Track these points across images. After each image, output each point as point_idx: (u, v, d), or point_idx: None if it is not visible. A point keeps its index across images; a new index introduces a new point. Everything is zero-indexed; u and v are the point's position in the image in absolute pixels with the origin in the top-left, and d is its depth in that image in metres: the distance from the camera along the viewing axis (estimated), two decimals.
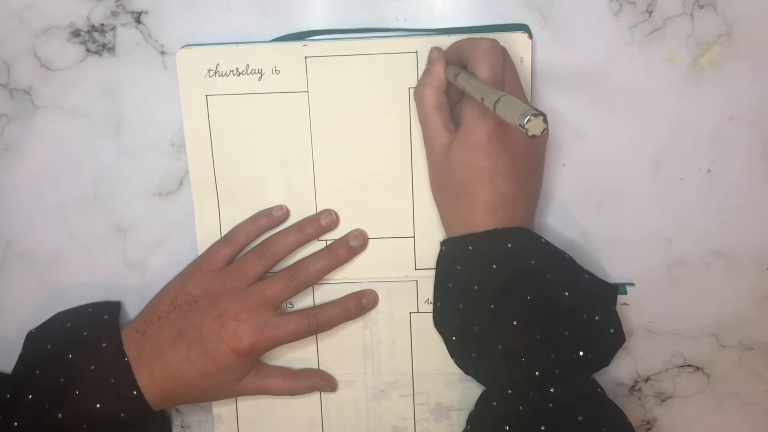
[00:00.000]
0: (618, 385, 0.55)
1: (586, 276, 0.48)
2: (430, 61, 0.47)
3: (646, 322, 0.54)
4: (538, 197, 0.49)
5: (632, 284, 0.53)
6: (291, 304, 0.53)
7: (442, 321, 0.49)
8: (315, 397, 0.54)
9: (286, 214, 0.52)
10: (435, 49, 0.47)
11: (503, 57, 0.45)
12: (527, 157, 0.46)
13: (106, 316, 0.50)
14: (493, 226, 0.46)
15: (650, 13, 0.49)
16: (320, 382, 0.53)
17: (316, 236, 0.52)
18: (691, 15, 0.49)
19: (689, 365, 0.55)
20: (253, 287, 0.49)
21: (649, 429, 0.56)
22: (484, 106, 0.41)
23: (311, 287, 0.52)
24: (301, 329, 0.50)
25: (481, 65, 0.43)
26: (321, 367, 0.54)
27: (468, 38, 0.46)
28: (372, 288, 0.53)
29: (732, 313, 0.54)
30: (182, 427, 0.56)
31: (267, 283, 0.50)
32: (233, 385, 0.50)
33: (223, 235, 0.52)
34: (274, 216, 0.51)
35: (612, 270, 0.53)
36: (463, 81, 0.43)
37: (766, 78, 0.50)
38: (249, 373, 0.50)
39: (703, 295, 0.53)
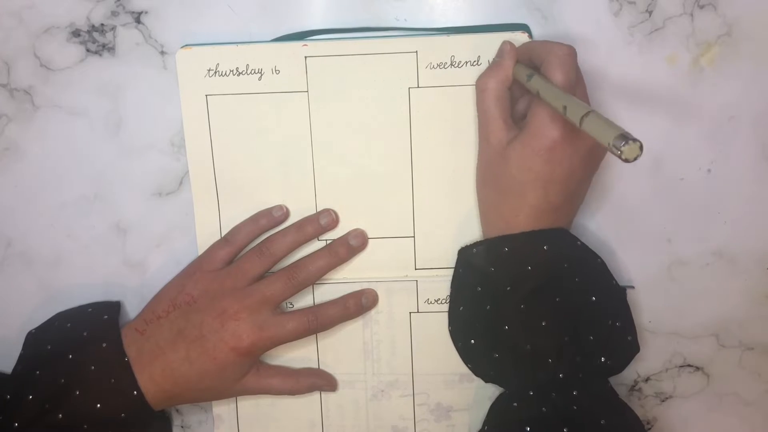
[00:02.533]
0: (618, 385, 0.55)
1: (614, 282, 0.48)
2: (500, 55, 0.47)
3: (646, 322, 0.54)
4: (581, 203, 0.49)
5: (632, 287, 0.53)
6: (291, 304, 0.53)
7: (462, 324, 0.49)
8: (315, 397, 0.54)
9: (286, 214, 0.52)
10: (507, 43, 0.47)
11: (577, 65, 0.44)
12: (584, 168, 0.46)
13: (106, 316, 0.50)
14: (531, 228, 0.46)
15: (650, 13, 0.49)
16: (320, 381, 0.53)
17: (316, 236, 0.52)
18: (691, 15, 0.49)
19: (689, 365, 0.55)
20: (252, 287, 0.49)
21: (649, 429, 0.56)
22: (554, 112, 0.40)
23: (311, 287, 0.52)
24: (301, 328, 0.50)
25: (557, 70, 0.42)
26: (321, 367, 0.54)
27: (544, 41, 0.46)
28: (372, 288, 0.53)
29: (732, 313, 0.54)
30: (182, 427, 0.56)
31: (267, 282, 0.50)
32: (233, 385, 0.50)
33: (223, 235, 0.52)
34: (274, 216, 0.51)
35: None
36: (538, 84, 0.43)
37: (766, 78, 0.50)
38: (249, 373, 0.50)
39: (703, 295, 0.53)
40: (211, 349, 0.48)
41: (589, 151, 0.45)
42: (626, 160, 0.34)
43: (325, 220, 0.51)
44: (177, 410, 0.56)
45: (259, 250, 0.50)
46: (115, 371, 0.47)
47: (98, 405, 0.47)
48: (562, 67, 0.43)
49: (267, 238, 0.51)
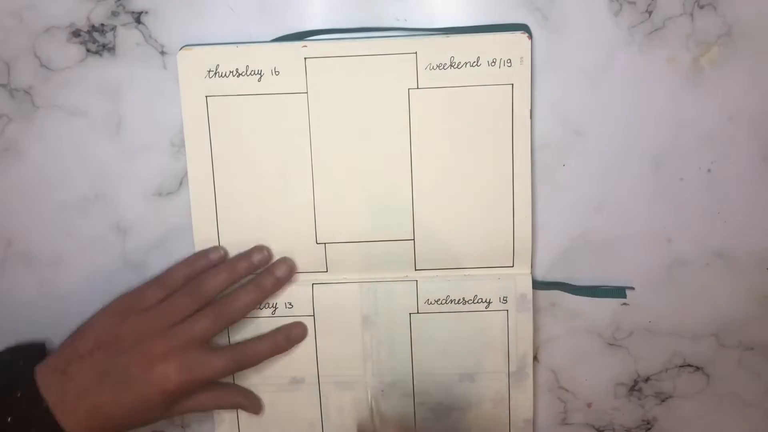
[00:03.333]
0: (618, 385, 0.55)
1: None
2: None
3: (646, 322, 0.54)
4: None
5: (632, 288, 0.53)
6: (290, 304, 0.53)
7: None
8: (315, 397, 0.54)
9: (224, 256, 0.51)
10: None
11: None
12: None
13: (21, 362, 0.48)
14: None
15: (650, 13, 0.49)
16: (244, 401, 0.53)
17: (248, 273, 0.51)
18: (691, 15, 0.49)
19: (689, 365, 0.55)
20: (180, 326, 0.48)
21: (649, 429, 0.56)
22: None
23: (310, 287, 0.52)
24: (231, 366, 0.49)
25: None
26: (320, 368, 0.54)
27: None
28: (301, 321, 0.53)
29: (732, 313, 0.54)
30: (182, 427, 0.56)
31: (194, 321, 0.48)
32: (163, 414, 0.49)
33: (155, 276, 0.51)
34: (210, 258, 0.51)
35: (612, 270, 0.53)
36: None
37: (766, 78, 0.50)
38: (177, 403, 0.49)
39: (703, 295, 0.53)
40: (138, 391, 0.46)
41: None
42: None
43: (257, 257, 0.51)
44: None
45: (189, 290, 0.49)
46: (34, 419, 0.45)
47: None
48: None
49: (198, 277, 0.50)
